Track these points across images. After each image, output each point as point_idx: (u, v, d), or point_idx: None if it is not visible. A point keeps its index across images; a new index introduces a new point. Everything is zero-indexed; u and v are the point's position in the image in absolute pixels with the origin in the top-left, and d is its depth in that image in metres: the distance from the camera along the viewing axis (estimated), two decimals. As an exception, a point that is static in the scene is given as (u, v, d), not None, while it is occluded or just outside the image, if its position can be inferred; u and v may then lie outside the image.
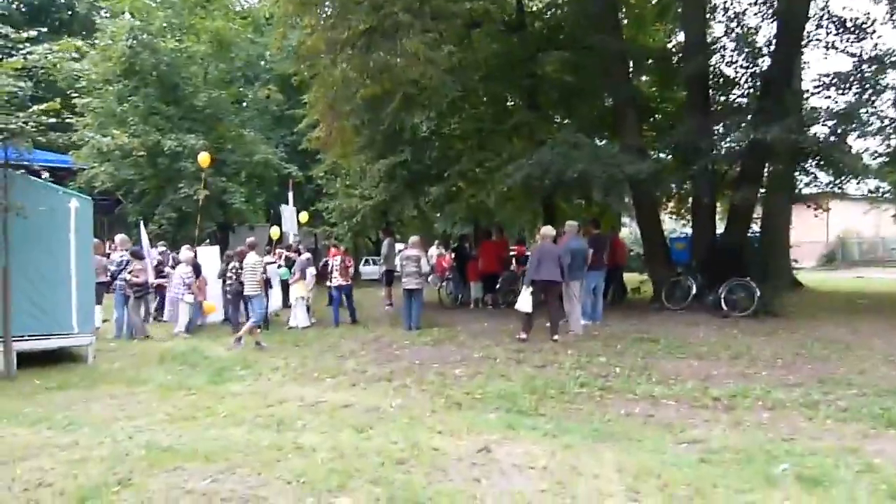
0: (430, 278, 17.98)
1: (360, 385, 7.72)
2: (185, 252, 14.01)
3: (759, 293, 12.14)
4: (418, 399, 6.99)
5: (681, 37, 15.31)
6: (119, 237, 14.47)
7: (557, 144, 11.74)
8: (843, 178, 13.50)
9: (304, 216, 18.38)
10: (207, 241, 20.31)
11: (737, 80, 12.67)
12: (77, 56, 22.17)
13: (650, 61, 14.80)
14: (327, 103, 12.40)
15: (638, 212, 13.96)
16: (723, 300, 12.44)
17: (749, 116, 11.77)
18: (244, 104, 24.59)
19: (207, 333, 12.93)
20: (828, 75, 11.30)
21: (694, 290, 13.02)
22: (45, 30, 23.69)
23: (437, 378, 7.89)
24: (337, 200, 16.54)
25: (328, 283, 15.18)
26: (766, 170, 13.07)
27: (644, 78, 16.30)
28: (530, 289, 10.14)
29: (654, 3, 15.03)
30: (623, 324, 11.83)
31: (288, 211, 16.15)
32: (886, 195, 18.19)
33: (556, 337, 10.17)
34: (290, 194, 19.39)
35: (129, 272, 12.24)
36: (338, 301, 13.80)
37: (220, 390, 7.70)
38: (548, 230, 10.63)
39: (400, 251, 13.88)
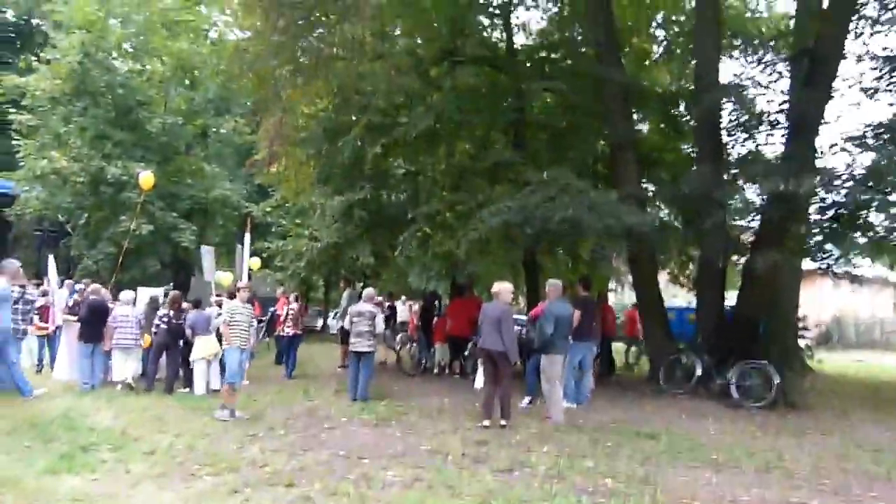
0: (398, 337, 15.83)
1: (246, 490, 5.43)
2: (126, 293, 11.86)
3: (777, 380, 10.06)
4: (316, 525, 4.73)
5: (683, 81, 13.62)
6: (7, 263, 11.40)
7: (544, 186, 9.77)
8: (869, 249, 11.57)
9: (255, 262, 16.14)
10: (171, 284, 17.93)
11: (754, 123, 10.83)
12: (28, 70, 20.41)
13: (653, 104, 12.99)
14: (275, 124, 10.45)
15: (635, 274, 11.92)
16: (733, 386, 10.34)
17: (767, 166, 9.95)
18: (209, 137, 22.65)
19: (110, 392, 10.62)
20: (873, 125, 9.53)
21: (698, 371, 10.91)
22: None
23: (357, 485, 5.63)
24: (284, 241, 14.29)
25: (278, 333, 13.26)
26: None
27: (643, 128, 14.50)
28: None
29: (660, 40, 13.35)
30: (613, 409, 9.66)
31: (207, 254, 13.65)
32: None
33: (503, 422, 8.12)
34: (248, 235, 17.27)
35: None
36: (288, 350, 12.86)
37: (46, 487, 5.38)
38: (501, 287, 8.55)
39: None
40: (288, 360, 13.09)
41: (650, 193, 12.21)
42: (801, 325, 12.52)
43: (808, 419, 9.53)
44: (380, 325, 10.52)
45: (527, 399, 9.85)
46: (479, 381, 8.39)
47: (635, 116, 13.05)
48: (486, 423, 8.13)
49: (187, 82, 22.52)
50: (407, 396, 10.73)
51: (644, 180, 12.47)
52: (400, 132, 11.28)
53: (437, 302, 14.71)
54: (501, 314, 8.31)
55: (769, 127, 10.78)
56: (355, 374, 10.40)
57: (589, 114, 12.33)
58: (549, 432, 7.98)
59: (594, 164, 12.92)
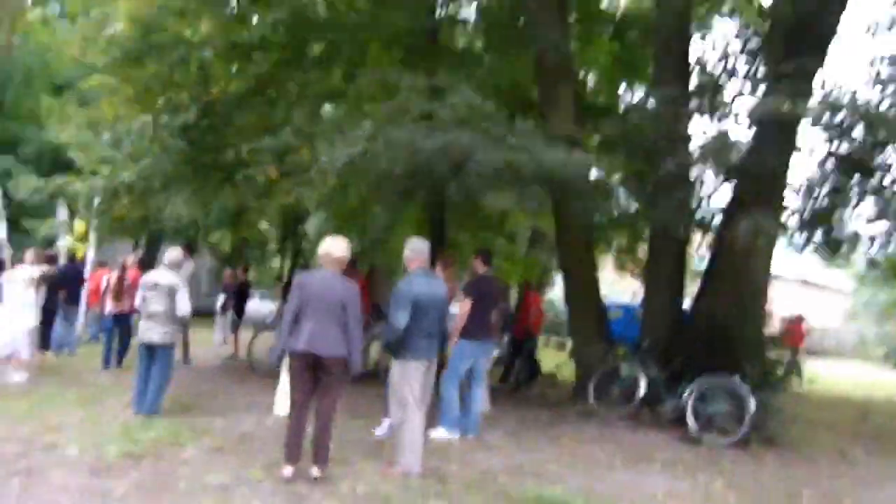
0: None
1: None
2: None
3: (753, 405, 6.98)
4: None
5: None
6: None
7: (422, 104, 6.41)
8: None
9: (79, 225, 12.44)
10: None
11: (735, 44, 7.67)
12: None
13: (598, 26, 9.77)
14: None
15: (562, 249, 8.68)
16: (691, 411, 7.23)
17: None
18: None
19: None
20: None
21: (642, 389, 7.77)
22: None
23: None
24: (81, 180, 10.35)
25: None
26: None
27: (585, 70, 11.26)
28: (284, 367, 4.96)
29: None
30: (511, 446, 6.37)
31: None
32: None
33: (315, 472, 4.79)
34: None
35: None
36: (107, 333, 10.19)
37: None
38: (332, 248, 5.15)
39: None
40: (108, 347, 10.05)
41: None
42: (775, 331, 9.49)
43: (800, 465, 6.50)
44: (183, 304, 7.04)
45: (387, 422, 6.50)
46: (281, 403, 5.01)
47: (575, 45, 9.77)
48: (287, 472, 4.78)
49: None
50: (220, 409, 7.31)
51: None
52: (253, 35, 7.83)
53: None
54: (345, 296, 4.92)
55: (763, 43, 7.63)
56: (144, 375, 6.97)
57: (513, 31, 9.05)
58: (391, 491, 4.67)
59: (516, 96, 9.62)
